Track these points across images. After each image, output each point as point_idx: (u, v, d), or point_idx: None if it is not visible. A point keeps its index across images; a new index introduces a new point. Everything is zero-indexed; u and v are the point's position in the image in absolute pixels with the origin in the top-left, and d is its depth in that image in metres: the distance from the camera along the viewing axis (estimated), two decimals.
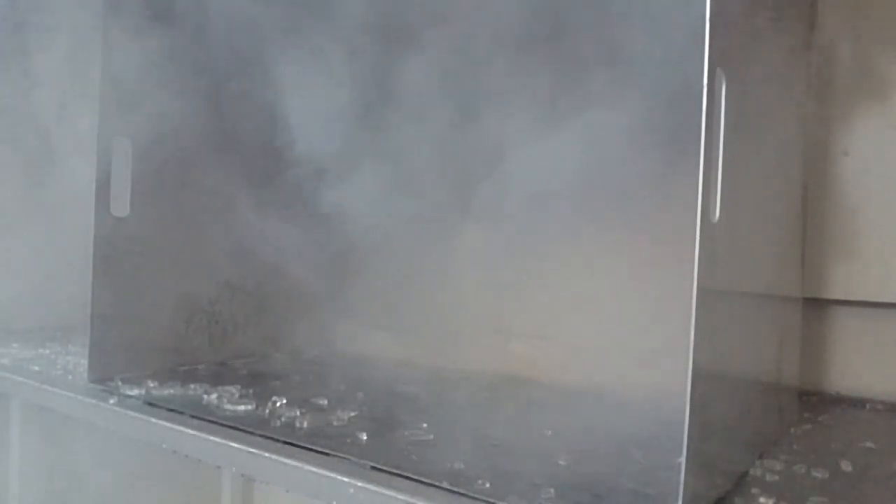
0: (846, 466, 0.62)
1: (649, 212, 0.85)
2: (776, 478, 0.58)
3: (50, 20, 1.12)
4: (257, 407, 0.74)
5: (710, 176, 0.47)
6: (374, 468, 0.57)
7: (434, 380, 0.92)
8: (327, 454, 0.60)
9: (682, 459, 0.46)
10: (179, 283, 0.94)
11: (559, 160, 0.85)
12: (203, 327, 0.97)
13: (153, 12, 0.87)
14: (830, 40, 0.87)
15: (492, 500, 0.51)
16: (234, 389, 0.79)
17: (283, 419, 0.70)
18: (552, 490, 0.53)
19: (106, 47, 0.80)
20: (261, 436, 0.65)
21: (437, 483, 0.54)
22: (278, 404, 0.74)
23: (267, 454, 0.61)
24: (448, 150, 0.98)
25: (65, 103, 1.06)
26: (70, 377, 0.87)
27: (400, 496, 0.52)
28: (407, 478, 0.55)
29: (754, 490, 0.55)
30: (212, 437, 0.65)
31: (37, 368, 0.91)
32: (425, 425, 0.68)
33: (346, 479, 0.55)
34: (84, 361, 0.84)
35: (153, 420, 0.70)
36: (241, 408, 0.73)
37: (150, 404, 0.75)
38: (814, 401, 0.86)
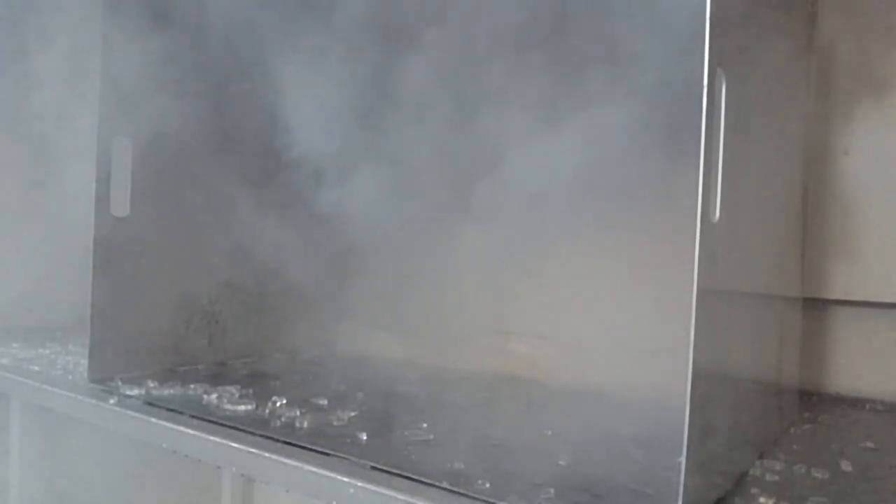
0: (846, 466, 0.62)
1: (649, 212, 0.85)
2: (776, 478, 0.58)
3: (50, 20, 1.12)
4: (257, 407, 0.74)
5: (710, 176, 0.47)
6: (374, 468, 0.57)
7: (434, 380, 0.92)
8: (327, 454, 0.60)
9: (682, 459, 0.46)
10: (179, 283, 0.94)
11: (559, 160, 0.85)
12: (203, 327, 0.97)
13: (153, 13, 0.87)
14: (830, 40, 0.87)
15: (492, 500, 0.51)
16: (234, 389, 0.79)
17: (283, 419, 0.70)
18: (552, 490, 0.53)
19: (106, 47, 0.81)
20: (261, 436, 0.65)
21: (436, 483, 0.54)
22: (278, 404, 0.74)
23: (267, 454, 0.61)
24: (448, 150, 0.98)
25: (65, 103, 1.06)
26: (70, 377, 0.87)
27: (400, 496, 0.52)
28: (407, 478, 0.55)
29: (754, 490, 0.55)
30: (212, 437, 0.65)
31: (37, 368, 0.91)
32: (425, 425, 0.68)
33: (346, 479, 0.55)
34: (84, 361, 0.84)
35: (153, 420, 0.70)
36: (241, 408, 0.73)
37: (150, 404, 0.75)
38: (814, 401, 0.86)
